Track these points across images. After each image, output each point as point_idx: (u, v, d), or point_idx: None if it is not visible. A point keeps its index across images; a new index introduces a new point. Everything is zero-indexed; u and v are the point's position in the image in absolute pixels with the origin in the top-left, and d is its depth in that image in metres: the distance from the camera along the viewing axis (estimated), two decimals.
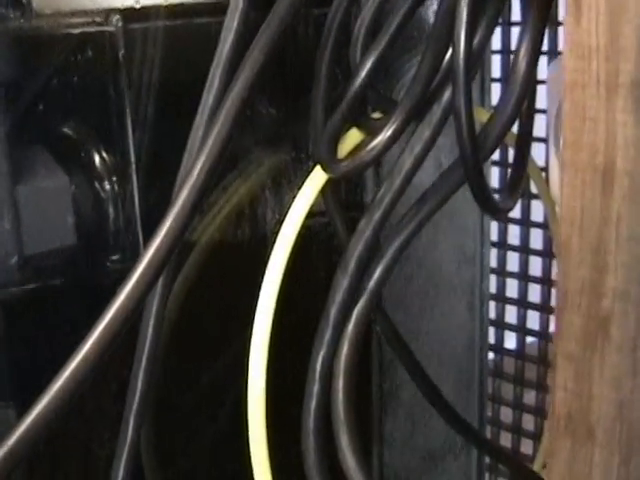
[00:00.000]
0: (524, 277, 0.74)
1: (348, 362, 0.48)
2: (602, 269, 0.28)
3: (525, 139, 0.51)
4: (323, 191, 0.51)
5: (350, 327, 0.48)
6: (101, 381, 0.52)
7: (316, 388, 0.48)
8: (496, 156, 0.73)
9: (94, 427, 0.50)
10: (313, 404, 0.48)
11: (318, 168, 0.48)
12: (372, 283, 0.48)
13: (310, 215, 0.50)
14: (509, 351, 0.78)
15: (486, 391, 0.72)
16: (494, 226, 0.75)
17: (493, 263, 0.75)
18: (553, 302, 0.74)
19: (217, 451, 0.56)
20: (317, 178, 0.48)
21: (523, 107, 0.48)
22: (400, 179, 0.46)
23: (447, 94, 0.45)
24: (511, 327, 0.77)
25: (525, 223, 0.73)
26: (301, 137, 0.52)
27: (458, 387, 0.68)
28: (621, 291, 0.28)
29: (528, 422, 0.78)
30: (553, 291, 0.73)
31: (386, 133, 0.45)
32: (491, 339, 0.76)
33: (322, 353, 0.48)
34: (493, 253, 0.75)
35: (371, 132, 0.47)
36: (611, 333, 0.28)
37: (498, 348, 0.78)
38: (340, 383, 0.48)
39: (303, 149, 0.52)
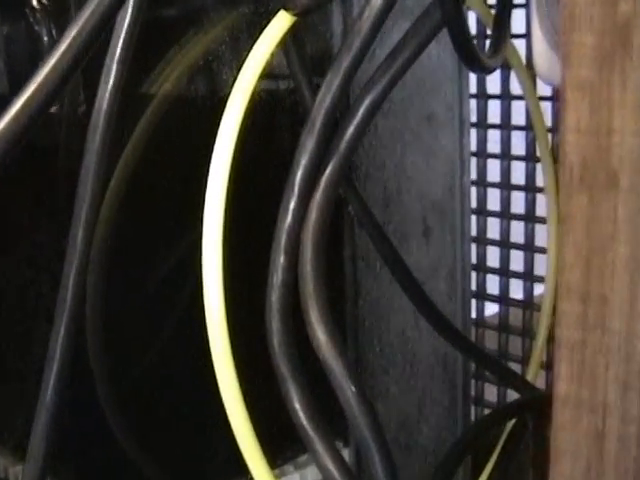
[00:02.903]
0: (507, 186, 0.70)
1: (317, 231, 0.43)
2: None
3: None
4: (286, 49, 0.46)
5: (318, 194, 0.43)
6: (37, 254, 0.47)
7: (281, 261, 0.43)
8: None
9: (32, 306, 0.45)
10: (278, 279, 0.43)
11: (279, 15, 0.43)
12: (342, 144, 0.43)
13: (273, 76, 0.45)
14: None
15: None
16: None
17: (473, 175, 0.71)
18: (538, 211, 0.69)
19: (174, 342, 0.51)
20: (278, 25, 0.43)
21: None
22: (371, 20, 0.42)
23: None
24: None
25: (506, 127, 0.69)
26: None
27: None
28: None
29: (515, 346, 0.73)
30: (538, 197, 0.69)
31: None
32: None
33: (287, 222, 0.43)
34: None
35: None
36: (633, 43, 0.23)
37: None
38: (309, 254, 0.43)
39: (264, 3, 0.47)
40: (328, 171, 0.43)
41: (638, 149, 0.24)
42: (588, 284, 0.26)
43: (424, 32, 0.43)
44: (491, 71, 0.47)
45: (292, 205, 0.43)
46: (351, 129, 0.43)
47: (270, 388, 0.42)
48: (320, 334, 0.41)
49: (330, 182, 0.43)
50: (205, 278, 0.40)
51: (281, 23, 0.43)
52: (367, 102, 0.43)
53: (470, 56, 0.44)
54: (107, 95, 0.39)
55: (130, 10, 0.39)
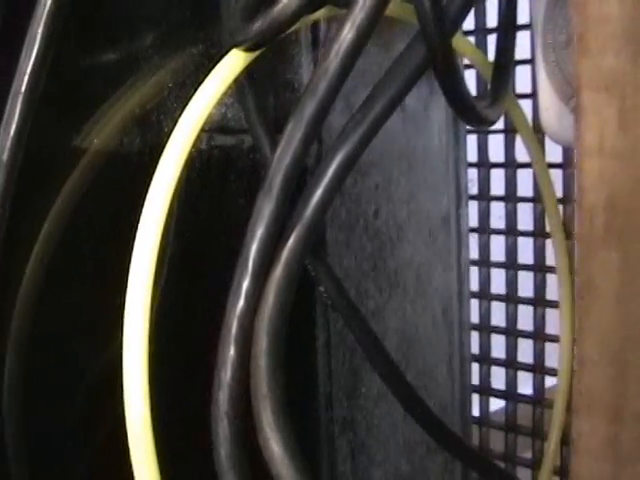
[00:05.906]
0: (513, 265, 0.61)
1: (274, 317, 0.35)
2: None
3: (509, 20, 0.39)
4: (243, 98, 0.39)
5: (278, 271, 0.35)
6: None
7: (231, 353, 0.35)
8: None
9: None
10: (227, 375, 0.35)
11: (231, 54, 0.35)
12: (308, 210, 0.36)
13: (229, 131, 0.38)
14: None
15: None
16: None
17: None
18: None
19: None
20: (229, 64, 0.35)
21: None
22: (338, 60, 0.34)
23: None
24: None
25: (512, 199, 0.61)
26: (212, 30, 0.40)
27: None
28: None
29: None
30: (549, 278, 0.61)
31: None
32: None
33: (240, 307, 0.35)
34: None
35: None
36: None
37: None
38: (263, 345, 0.35)
39: (215, 43, 0.39)
40: (290, 243, 0.35)
41: None
42: (621, 395, 0.17)
43: (406, 72, 0.35)
44: (489, 124, 0.39)
45: (245, 285, 0.35)
46: (319, 191, 0.36)
47: None
48: (274, 444, 0.33)
49: (292, 256, 0.36)
50: (126, 384, 0.33)
51: (233, 62, 0.35)
52: (338, 159, 0.36)
53: (463, 103, 0.36)
54: (8, 145, 0.32)
55: (37, 46, 0.32)
